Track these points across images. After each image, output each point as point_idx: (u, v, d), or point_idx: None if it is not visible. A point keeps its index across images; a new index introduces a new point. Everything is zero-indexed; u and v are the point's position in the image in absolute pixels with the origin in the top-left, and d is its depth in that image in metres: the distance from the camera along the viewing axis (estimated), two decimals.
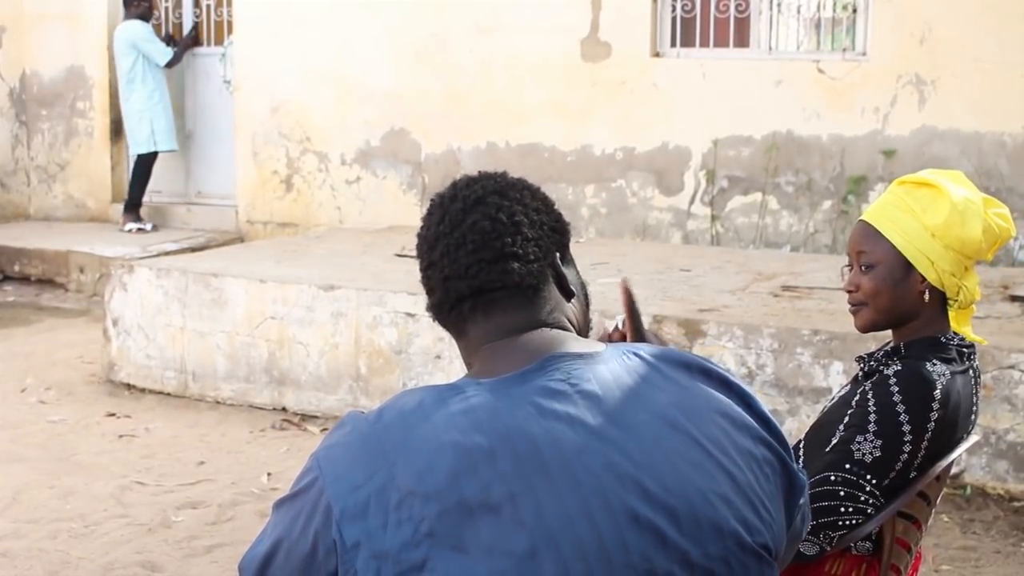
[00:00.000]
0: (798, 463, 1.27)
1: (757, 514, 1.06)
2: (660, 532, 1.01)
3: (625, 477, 1.01)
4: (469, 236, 1.12)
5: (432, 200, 1.20)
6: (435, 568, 0.97)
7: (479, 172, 1.20)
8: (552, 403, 1.03)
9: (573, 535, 0.99)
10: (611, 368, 1.08)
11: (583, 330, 1.19)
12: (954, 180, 1.73)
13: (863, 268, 1.72)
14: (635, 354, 1.11)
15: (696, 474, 1.03)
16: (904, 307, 1.71)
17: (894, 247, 1.69)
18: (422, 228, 1.19)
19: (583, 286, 1.21)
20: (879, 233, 1.71)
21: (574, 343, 1.11)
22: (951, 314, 1.73)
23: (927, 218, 1.68)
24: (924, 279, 1.69)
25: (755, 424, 1.11)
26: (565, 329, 1.14)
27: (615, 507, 1.00)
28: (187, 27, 7.10)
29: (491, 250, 1.12)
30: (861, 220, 1.77)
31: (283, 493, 1.11)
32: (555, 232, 1.16)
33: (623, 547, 0.99)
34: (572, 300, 1.17)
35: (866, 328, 1.75)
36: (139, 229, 6.61)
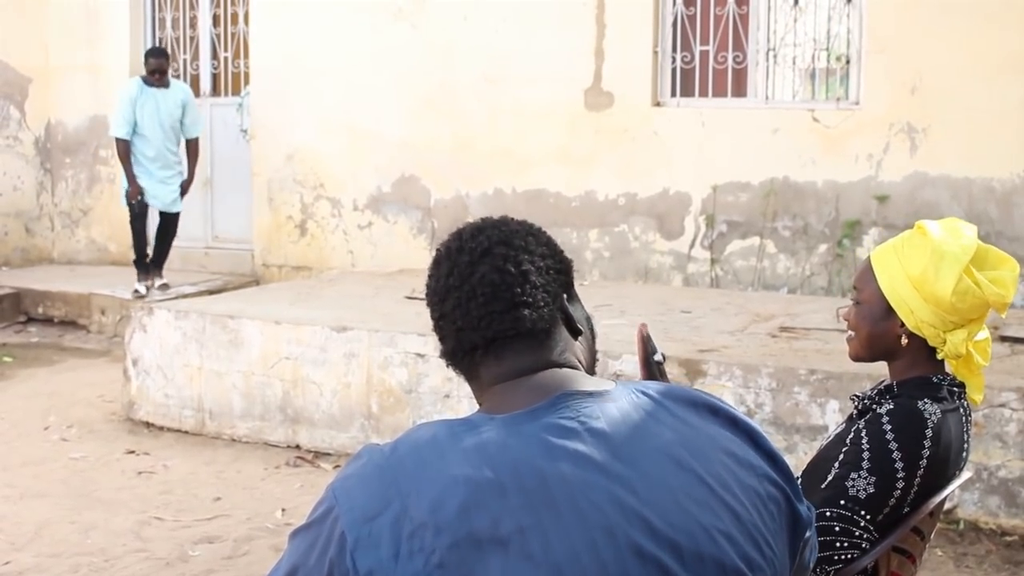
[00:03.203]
0: None
1: (760, 551, 1.07)
2: (664, 567, 1.01)
3: (630, 512, 1.02)
4: (479, 289, 1.13)
5: (438, 251, 1.21)
6: None
7: (482, 219, 1.21)
8: (562, 440, 1.05)
9: (579, 568, 1.00)
10: (620, 406, 1.09)
11: (590, 364, 1.21)
12: (947, 231, 1.70)
13: (855, 303, 1.76)
14: (644, 392, 1.12)
15: (700, 511, 1.04)
16: (884, 346, 1.73)
17: (879, 289, 1.71)
18: (431, 279, 1.20)
19: (589, 319, 1.23)
20: (872, 272, 1.73)
21: (584, 381, 1.13)
22: (959, 366, 1.74)
23: (909, 267, 1.69)
24: (903, 324, 1.70)
25: (761, 462, 1.12)
26: (574, 368, 1.15)
27: (620, 542, 1.01)
28: (205, 79, 7.30)
29: (502, 301, 1.13)
30: (868, 256, 1.79)
31: (299, 523, 1.13)
32: (560, 273, 1.18)
33: None
34: (579, 338, 1.18)
35: (852, 358, 1.79)
36: (134, 292, 6.24)
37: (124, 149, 6.19)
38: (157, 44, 7.35)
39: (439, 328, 1.19)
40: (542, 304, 1.14)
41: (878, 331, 1.72)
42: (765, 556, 1.08)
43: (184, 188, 6.40)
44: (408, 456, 1.05)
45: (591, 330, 1.23)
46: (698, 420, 1.12)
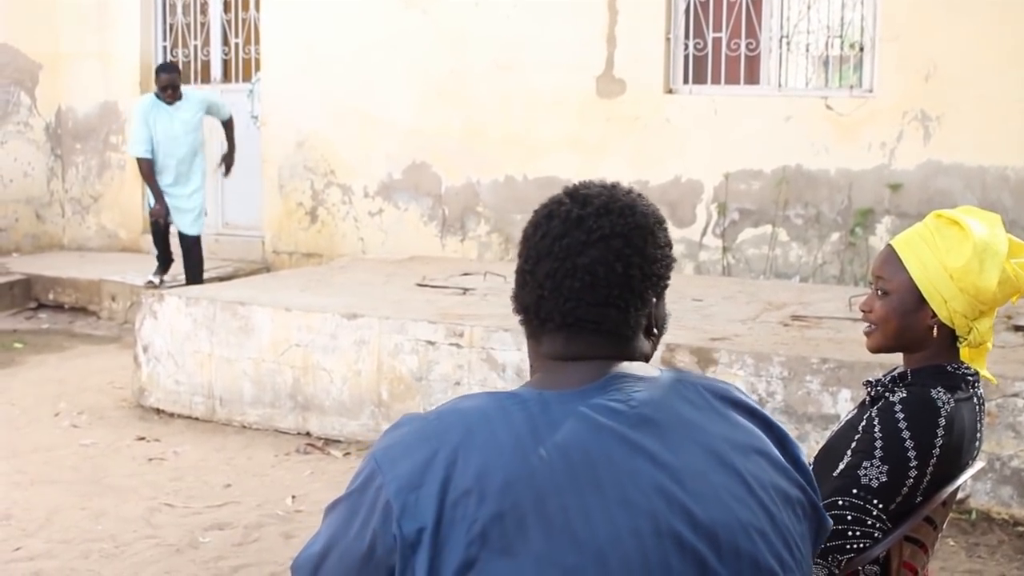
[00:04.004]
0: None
1: (791, 553, 1.08)
2: (702, 559, 1.02)
3: (674, 502, 1.03)
4: (580, 273, 1.10)
5: (559, 202, 1.15)
6: (483, 570, 0.98)
7: (613, 191, 1.15)
8: (610, 422, 1.05)
9: (621, 553, 1.00)
10: (667, 396, 1.10)
11: (649, 356, 1.19)
12: (986, 224, 1.69)
13: (879, 293, 1.72)
14: (690, 384, 1.13)
15: (739, 508, 1.05)
16: (912, 337, 1.71)
17: (911, 279, 1.69)
18: (537, 228, 1.14)
19: (666, 318, 1.20)
20: (900, 262, 1.70)
21: (635, 367, 1.13)
22: (966, 351, 1.73)
23: (948, 259, 1.66)
24: (935, 315, 1.68)
25: (789, 466, 1.13)
26: (633, 360, 1.14)
27: (663, 530, 1.01)
28: (215, 65, 7.29)
29: (596, 295, 1.10)
30: (888, 244, 1.75)
31: (336, 496, 1.11)
32: (662, 278, 1.15)
33: (667, 570, 1.01)
34: (652, 337, 1.17)
35: (874, 349, 1.76)
36: (148, 281, 6.21)
37: (147, 168, 5.96)
38: (168, 30, 7.35)
39: (522, 278, 1.15)
40: (632, 309, 1.12)
41: (908, 322, 1.70)
42: (795, 557, 1.09)
43: (228, 162, 6.28)
44: (454, 424, 1.05)
45: (663, 328, 1.21)
46: (737, 418, 1.12)
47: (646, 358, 1.17)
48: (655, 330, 1.17)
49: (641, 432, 1.05)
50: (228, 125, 6.29)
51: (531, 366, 1.18)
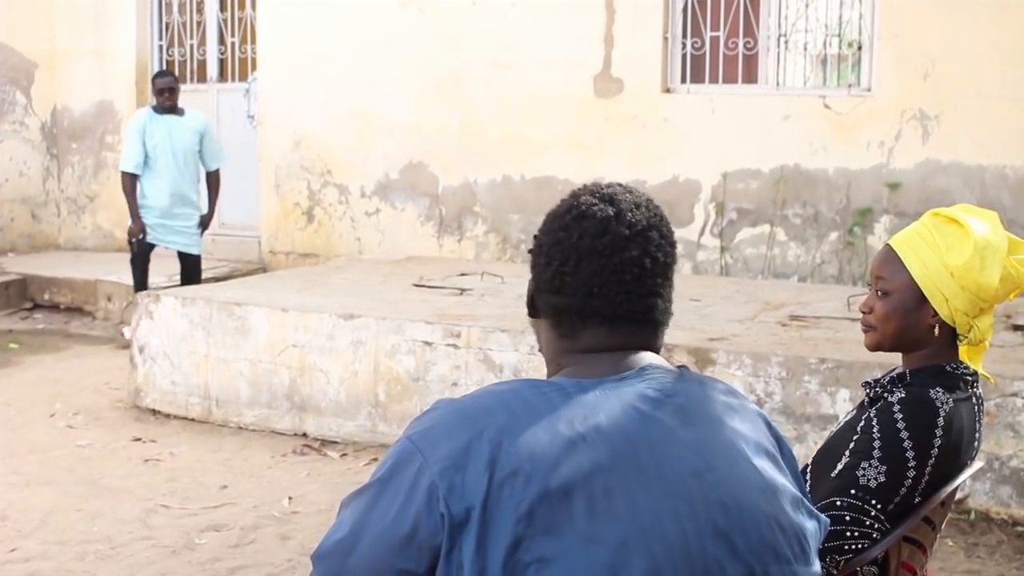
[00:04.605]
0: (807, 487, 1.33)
1: (801, 547, 1.13)
2: (733, 546, 1.07)
3: (709, 489, 1.07)
4: (628, 268, 1.14)
5: (588, 204, 1.17)
6: (530, 548, 1.01)
7: (625, 187, 1.20)
8: (649, 408, 1.09)
9: (663, 534, 1.04)
10: (694, 389, 1.15)
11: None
12: (985, 221, 1.70)
13: (879, 293, 1.73)
14: (708, 381, 1.18)
15: (761, 500, 1.10)
16: (913, 336, 1.72)
17: (912, 278, 1.69)
18: (570, 230, 1.16)
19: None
20: (900, 262, 1.71)
21: (661, 360, 1.18)
22: (963, 349, 1.73)
23: (949, 257, 1.67)
24: (936, 314, 1.69)
25: (786, 467, 1.17)
26: (658, 345, 1.20)
27: (700, 515, 1.06)
28: (212, 64, 7.27)
29: (644, 287, 1.15)
30: (887, 244, 1.76)
31: (355, 487, 1.12)
32: (675, 262, 1.21)
33: (704, 553, 1.05)
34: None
35: (872, 347, 1.77)
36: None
37: (128, 183, 5.64)
38: (164, 28, 7.33)
39: (560, 281, 1.16)
40: (668, 297, 1.19)
41: (909, 321, 1.71)
42: (805, 552, 1.14)
43: (205, 224, 5.80)
44: (495, 407, 1.07)
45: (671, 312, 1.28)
46: (748, 416, 1.17)
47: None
48: (670, 315, 1.22)
49: (677, 419, 1.10)
50: (213, 179, 5.81)
51: (552, 362, 1.20)
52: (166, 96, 5.65)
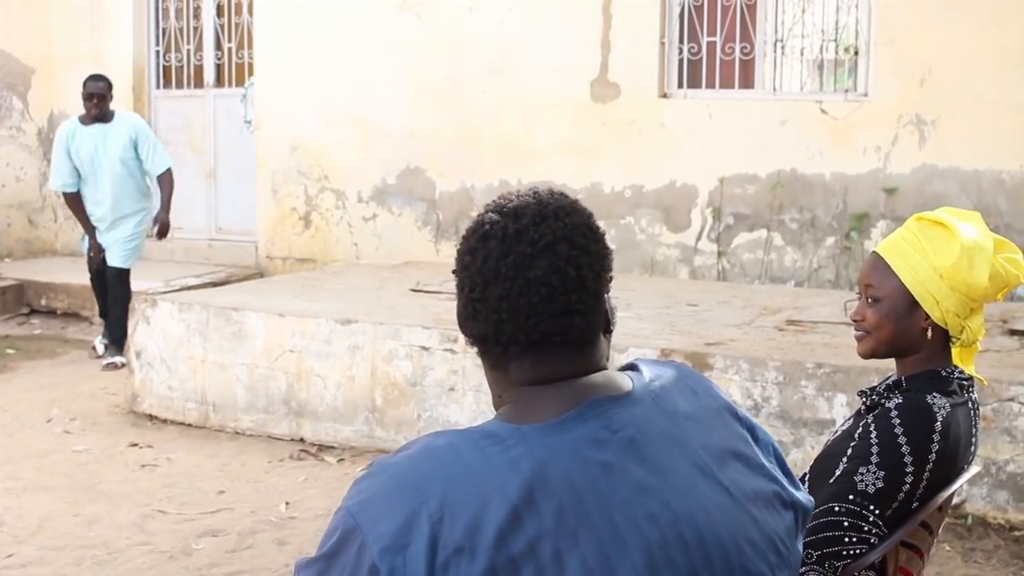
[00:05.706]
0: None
1: (778, 553, 1.10)
2: None
3: (667, 528, 1.03)
4: (535, 287, 1.06)
5: (488, 224, 1.10)
6: None
7: (536, 194, 1.12)
8: (594, 452, 1.03)
9: None
10: (646, 411, 1.08)
11: (608, 355, 1.17)
12: (969, 222, 1.72)
13: (869, 300, 1.74)
14: (664, 384, 1.12)
15: (726, 520, 1.06)
16: (906, 341, 1.73)
17: (902, 283, 1.70)
18: (474, 255, 1.09)
19: (613, 310, 1.18)
20: (889, 268, 1.72)
21: (611, 382, 1.10)
22: (955, 351, 1.75)
23: (937, 259, 1.69)
24: (928, 317, 1.70)
25: (763, 460, 1.14)
26: (604, 368, 1.12)
27: (659, 561, 1.01)
28: (208, 69, 7.28)
29: (556, 305, 1.07)
30: (874, 252, 1.77)
31: (309, 554, 1.08)
32: (606, 271, 1.12)
33: None
34: (607, 334, 1.15)
35: (867, 355, 1.78)
36: (92, 348, 5.56)
37: (71, 201, 5.35)
38: (160, 34, 7.33)
39: (472, 308, 1.10)
40: (591, 312, 1.09)
41: (902, 327, 1.72)
42: (783, 556, 1.11)
43: (163, 228, 5.43)
44: (432, 473, 1.01)
45: (614, 320, 1.20)
46: (710, 418, 1.12)
47: (606, 358, 1.15)
48: (611, 326, 1.15)
49: (627, 458, 1.04)
50: (164, 180, 5.39)
51: (496, 396, 1.14)
52: (94, 103, 5.29)
